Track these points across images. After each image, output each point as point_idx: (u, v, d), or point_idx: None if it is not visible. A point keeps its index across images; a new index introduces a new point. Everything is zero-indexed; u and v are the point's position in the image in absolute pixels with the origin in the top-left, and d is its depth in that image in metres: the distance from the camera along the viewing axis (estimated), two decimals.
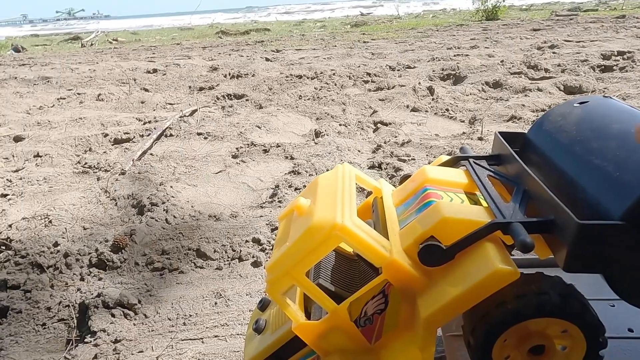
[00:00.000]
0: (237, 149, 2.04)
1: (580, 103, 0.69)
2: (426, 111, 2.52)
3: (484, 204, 0.64)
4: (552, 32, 6.03)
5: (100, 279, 1.20)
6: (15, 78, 4.44)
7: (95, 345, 0.95)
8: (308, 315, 0.64)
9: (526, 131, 0.75)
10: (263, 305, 0.78)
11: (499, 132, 0.74)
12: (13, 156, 2.09)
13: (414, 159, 1.74)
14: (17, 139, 2.40)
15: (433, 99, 2.75)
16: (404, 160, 1.72)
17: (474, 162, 0.73)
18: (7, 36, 14.32)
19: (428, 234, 0.58)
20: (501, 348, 0.56)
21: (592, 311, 0.54)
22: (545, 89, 2.76)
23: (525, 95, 2.65)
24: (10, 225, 1.40)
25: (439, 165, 0.76)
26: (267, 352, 0.69)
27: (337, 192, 0.64)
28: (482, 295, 0.53)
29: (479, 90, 2.93)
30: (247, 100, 3.03)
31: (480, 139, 1.91)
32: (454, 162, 0.77)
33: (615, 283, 0.52)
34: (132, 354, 0.94)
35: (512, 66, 3.47)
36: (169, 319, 1.04)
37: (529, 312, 0.53)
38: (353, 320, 0.61)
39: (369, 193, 0.76)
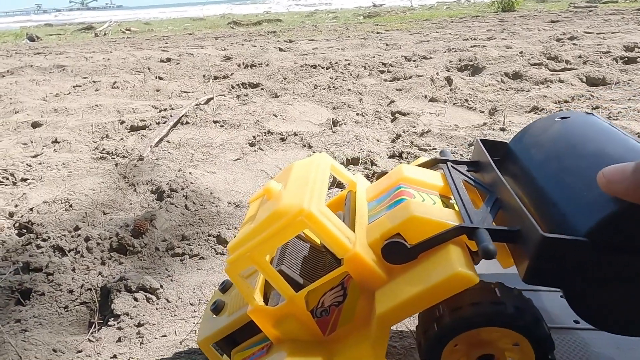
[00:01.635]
0: (254, 137, 2.02)
1: (562, 118, 0.69)
2: (445, 101, 2.47)
3: (457, 208, 0.64)
4: (571, 23, 5.88)
5: (121, 264, 1.20)
6: (31, 66, 4.46)
7: (119, 328, 0.95)
8: (267, 302, 0.63)
9: (508, 141, 0.75)
10: (224, 287, 0.78)
11: (480, 140, 0.74)
12: (31, 142, 2.10)
13: (435, 149, 1.70)
14: (35, 125, 2.41)
15: (451, 90, 2.70)
16: (425, 150, 1.69)
17: (451, 166, 0.73)
18: (21, 25, 14.45)
19: (394, 230, 0.58)
20: (451, 352, 0.56)
21: (544, 327, 0.54)
22: (567, 80, 2.69)
23: (547, 87, 2.59)
24: (31, 209, 1.41)
25: (418, 165, 0.76)
26: (222, 334, 0.69)
27: (308, 179, 0.64)
28: (439, 296, 0.52)
29: (498, 82, 2.87)
30: (262, 89, 3.01)
31: (502, 129, 1.87)
32: (432, 164, 0.77)
33: (573, 300, 0.52)
34: (156, 338, 0.93)
35: (532, 57, 3.40)
36: (191, 304, 1.03)
37: (482, 320, 0.53)
38: (310, 310, 0.60)
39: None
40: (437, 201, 0.65)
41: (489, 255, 0.50)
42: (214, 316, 0.73)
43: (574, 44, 4.02)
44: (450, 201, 0.68)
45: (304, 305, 0.60)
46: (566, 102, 2.28)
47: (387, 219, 0.61)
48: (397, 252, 0.56)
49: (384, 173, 0.76)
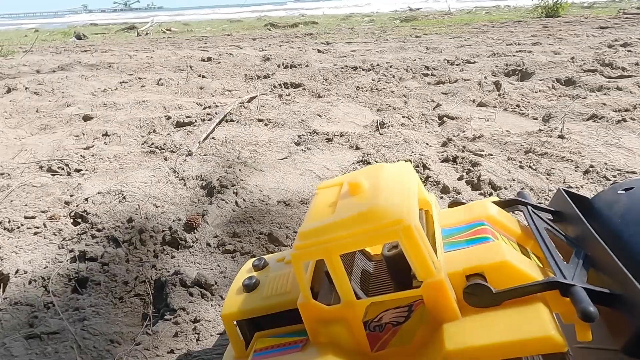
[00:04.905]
0: (299, 136, 2.00)
1: None
2: (494, 106, 2.38)
3: (534, 259, 0.61)
4: (622, 30, 5.61)
5: (173, 257, 1.19)
6: (80, 63, 4.64)
7: (176, 323, 0.94)
8: (313, 297, 0.60)
9: (590, 196, 0.70)
10: (262, 266, 0.75)
11: (564, 190, 0.70)
12: (83, 134, 2.16)
13: (491, 155, 1.63)
14: (86, 118, 2.48)
15: (500, 95, 2.60)
16: (480, 155, 1.62)
17: (532, 211, 0.69)
18: (69, 24, 15.15)
19: (479, 269, 0.55)
20: None
21: None
22: (626, 87, 2.55)
23: (605, 94, 2.46)
24: (86, 199, 1.43)
25: (493, 202, 0.72)
26: (251, 313, 0.66)
27: (403, 189, 0.61)
28: (519, 353, 0.49)
29: (549, 87, 2.75)
30: (304, 89, 3.00)
31: (561, 137, 1.77)
32: (511, 204, 0.73)
33: None
34: (212, 335, 0.92)
35: (584, 63, 3.24)
36: None
37: None
38: (363, 321, 0.57)
39: None
40: (516, 249, 0.62)
41: (590, 318, 0.47)
42: (245, 293, 0.70)
43: (628, 51, 3.81)
44: (528, 252, 0.65)
45: (361, 314, 0.57)
46: (627, 110, 2.15)
47: (472, 254, 0.58)
48: (480, 295, 0.53)
49: (458, 203, 0.73)
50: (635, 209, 0.60)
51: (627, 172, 1.45)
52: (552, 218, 0.70)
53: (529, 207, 0.70)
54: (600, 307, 0.51)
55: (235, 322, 0.68)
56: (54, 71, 4.20)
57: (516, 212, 0.72)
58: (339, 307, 0.57)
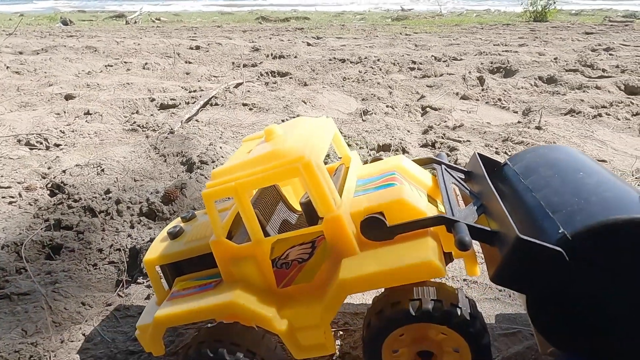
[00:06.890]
0: (282, 120, 2.01)
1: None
2: (477, 100, 2.43)
3: (441, 209, 0.66)
4: (607, 36, 5.74)
5: (149, 228, 1.19)
6: (65, 46, 4.55)
7: (148, 286, 0.95)
8: (229, 239, 0.63)
9: (502, 161, 0.77)
10: (189, 217, 0.78)
11: (478, 154, 0.76)
12: (64, 112, 2.13)
13: (469, 141, 1.66)
14: (68, 97, 2.45)
15: (483, 89, 2.65)
16: (459, 141, 1.65)
17: (445, 169, 0.75)
18: (55, 9, 14.84)
19: (379, 208, 0.60)
20: (394, 340, 0.57)
21: (488, 339, 0.55)
22: (605, 87, 2.61)
23: (583, 92, 2.52)
24: (64, 171, 1.42)
25: (413, 160, 0.77)
26: (171, 258, 0.69)
27: (314, 136, 0.65)
28: (405, 279, 0.54)
29: (531, 85, 2.80)
30: (291, 77, 3.00)
31: (538, 128, 1.82)
32: (426, 162, 0.80)
33: (533, 309, 0.51)
34: None
35: (567, 64, 3.32)
36: None
37: (439, 317, 0.54)
38: (271, 259, 0.61)
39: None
40: (423, 197, 0.67)
41: (464, 247, 0.51)
42: (168, 240, 0.72)
43: (610, 54, 3.91)
44: (437, 203, 0.69)
45: (268, 251, 0.60)
46: (604, 107, 2.21)
47: (376, 197, 0.62)
48: (375, 228, 0.57)
49: (379, 158, 0.77)
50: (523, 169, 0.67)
51: (599, 162, 1.50)
52: (464, 177, 0.75)
53: (443, 165, 0.75)
54: (485, 246, 0.55)
55: (159, 270, 0.70)
56: (38, 53, 4.13)
57: (431, 170, 0.77)
58: (248, 245, 0.59)
